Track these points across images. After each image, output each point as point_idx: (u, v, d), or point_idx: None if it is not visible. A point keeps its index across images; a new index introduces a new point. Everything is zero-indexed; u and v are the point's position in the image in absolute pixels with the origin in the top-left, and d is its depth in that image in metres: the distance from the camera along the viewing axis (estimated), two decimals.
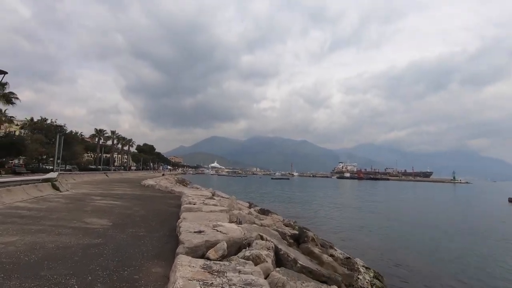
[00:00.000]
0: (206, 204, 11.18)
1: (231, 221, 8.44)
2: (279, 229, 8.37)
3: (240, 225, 7.20)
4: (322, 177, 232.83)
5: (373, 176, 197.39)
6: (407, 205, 33.76)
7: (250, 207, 15.12)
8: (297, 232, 8.42)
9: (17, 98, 31.72)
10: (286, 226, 9.93)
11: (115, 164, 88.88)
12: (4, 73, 18.47)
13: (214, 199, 13.35)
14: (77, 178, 28.02)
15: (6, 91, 30.89)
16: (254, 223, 8.22)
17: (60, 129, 39.60)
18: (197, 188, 19.95)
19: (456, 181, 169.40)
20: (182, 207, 9.41)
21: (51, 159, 54.44)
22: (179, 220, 7.23)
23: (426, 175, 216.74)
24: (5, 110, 53.93)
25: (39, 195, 11.95)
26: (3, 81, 30.77)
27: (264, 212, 13.75)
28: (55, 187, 14.00)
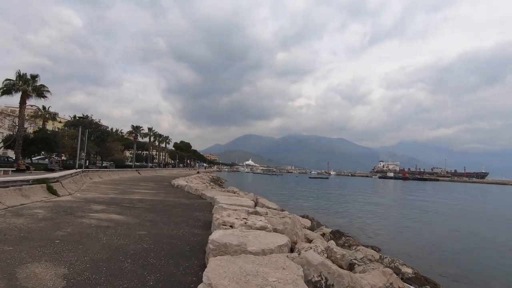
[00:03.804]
0: (249, 227, 6.86)
1: (309, 283, 4.03)
2: None
3: None
4: (362, 176, 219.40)
5: (419, 177, 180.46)
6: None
7: (312, 226, 10.45)
8: None
9: (48, 91, 30.26)
10: (399, 275, 5.33)
11: (155, 161, 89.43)
12: None
13: (260, 214, 9.00)
14: (104, 176, 25.57)
15: (37, 83, 29.55)
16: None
17: (86, 121, 38.07)
18: (234, 193, 15.82)
19: None
20: (210, 238, 5.15)
21: (93, 156, 54.64)
22: None
23: (481, 176, 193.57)
24: (48, 107, 55.37)
25: (19, 204, 8.53)
26: (33, 73, 29.59)
27: (335, 235, 9.12)
28: (52, 191, 10.67)
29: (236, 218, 7.53)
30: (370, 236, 13.55)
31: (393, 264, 6.41)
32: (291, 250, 5.86)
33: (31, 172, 26.38)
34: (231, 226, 7.06)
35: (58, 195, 10.72)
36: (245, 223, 7.15)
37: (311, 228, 9.77)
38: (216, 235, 5.44)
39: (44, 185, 10.57)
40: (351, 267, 5.61)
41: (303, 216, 11.79)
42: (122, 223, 7.31)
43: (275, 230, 7.66)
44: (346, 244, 8.53)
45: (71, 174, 16.08)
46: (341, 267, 5.52)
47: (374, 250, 8.98)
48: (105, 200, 10.87)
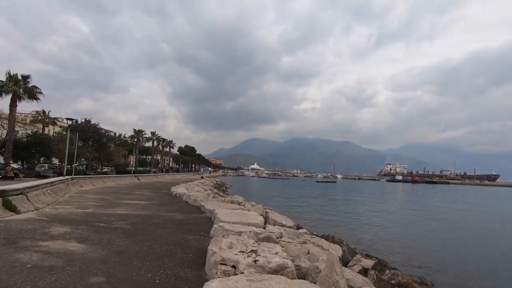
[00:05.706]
0: (261, 267, 4.55)
1: None
2: None
3: None
4: (369, 179, 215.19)
5: (429, 179, 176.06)
6: None
7: (344, 255, 7.91)
8: None
9: (41, 93, 28.47)
10: None
11: (159, 166, 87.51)
12: None
13: (273, 239, 6.66)
14: (98, 183, 23.47)
15: (29, 84, 27.77)
16: None
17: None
18: (239, 204, 13.48)
19: None
20: None
21: (95, 161, 52.84)
22: None
23: (493, 178, 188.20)
24: (49, 112, 53.94)
25: None
26: (24, 74, 27.83)
27: (376, 267, 6.74)
28: (9, 206, 8.48)
29: (241, 251, 5.20)
30: (408, 260, 11.07)
31: None
32: None
33: (20, 180, 24.43)
34: (233, 267, 4.75)
35: (17, 212, 8.52)
36: (255, 260, 4.80)
37: (344, 259, 7.36)
38: None
39: (0, 199, 8.40)
40: None
41: (326, 238, 9.30)
42: (77, 259, 5.04)
43: (298, 270, 5.33)
44: (393, 281, 6.18)
45: (51, 182, 13.94)
46: None
47: None
48: (76, 218, 8.63)
